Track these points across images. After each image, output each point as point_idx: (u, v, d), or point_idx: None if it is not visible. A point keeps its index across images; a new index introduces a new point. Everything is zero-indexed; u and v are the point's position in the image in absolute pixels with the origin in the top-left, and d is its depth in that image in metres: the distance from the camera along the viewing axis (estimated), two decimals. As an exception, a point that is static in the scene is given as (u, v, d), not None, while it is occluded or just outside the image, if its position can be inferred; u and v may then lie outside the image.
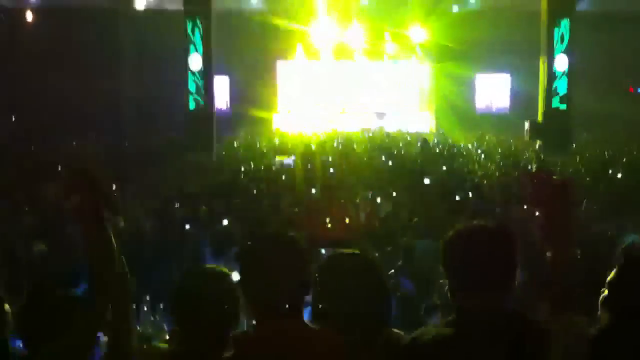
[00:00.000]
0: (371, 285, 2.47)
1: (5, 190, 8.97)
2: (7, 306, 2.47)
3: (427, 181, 9.88)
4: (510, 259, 2.33)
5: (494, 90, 27.15)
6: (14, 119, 21.44)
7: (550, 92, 16.01)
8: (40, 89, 20.80)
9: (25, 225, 7.19)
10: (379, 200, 8.27)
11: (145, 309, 3.59)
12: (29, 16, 22.91)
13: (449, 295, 2.37)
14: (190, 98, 16.39)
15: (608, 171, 11.78)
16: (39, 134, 18.18)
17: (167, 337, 3.38)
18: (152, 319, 3.57)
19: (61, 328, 2.31)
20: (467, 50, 24.32)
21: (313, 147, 15.88)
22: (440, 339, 2.29)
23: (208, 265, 2.96)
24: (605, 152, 15.79)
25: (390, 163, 13.87)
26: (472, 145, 19.01)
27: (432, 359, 2.31)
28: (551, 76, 15.98)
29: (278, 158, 15.18)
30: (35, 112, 20.57)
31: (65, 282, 4.07)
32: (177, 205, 7.84)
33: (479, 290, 2.28)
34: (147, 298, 3.63)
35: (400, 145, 18.91)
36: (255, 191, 8.91)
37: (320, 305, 2.47)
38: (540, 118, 16.39)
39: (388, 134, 22.96)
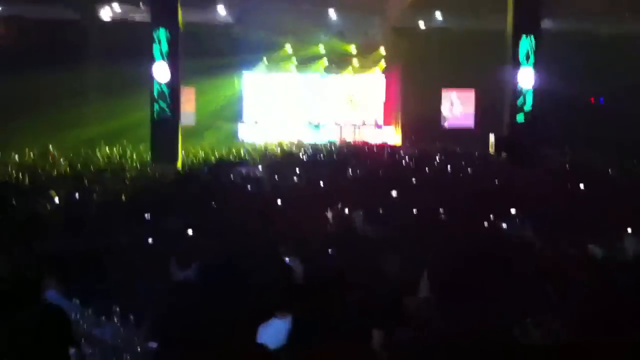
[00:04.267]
0: None
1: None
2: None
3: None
4: None
5: (459, 106, 27.51)
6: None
7: (514, 107, 16.20)
8: (4, 98, 20.41)
9: None
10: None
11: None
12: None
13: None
14: (156, 107, 16.24)
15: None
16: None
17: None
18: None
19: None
20: (433, 65, 24.72)
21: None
22: None
23: None
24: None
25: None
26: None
27: None
28: (516, 91, 16.19)
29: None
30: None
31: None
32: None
33: None
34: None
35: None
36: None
37: None
38: (505, 132, 16.58)
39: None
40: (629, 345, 2.74)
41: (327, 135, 26.82)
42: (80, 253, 5.12)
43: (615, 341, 2.86)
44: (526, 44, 16.02)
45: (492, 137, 16.85)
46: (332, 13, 24.69)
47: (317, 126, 27.74)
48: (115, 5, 24.27)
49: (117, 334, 3.36)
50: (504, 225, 7.14)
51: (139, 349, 3.34)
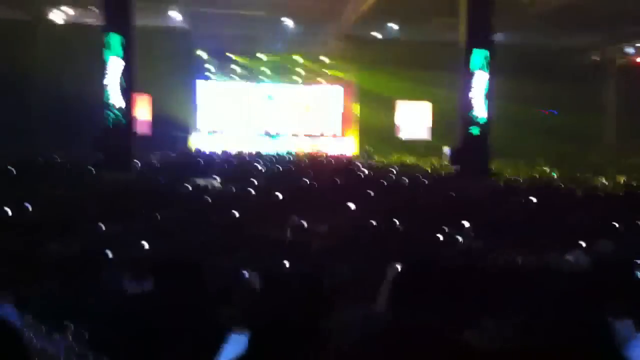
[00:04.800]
0: None
1: None
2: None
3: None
4: None
5: (416, 116, 27.84)
6: None
7: (468, 119, 16.43)
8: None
9: None
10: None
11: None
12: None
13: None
14: (109, 114, 15.94)
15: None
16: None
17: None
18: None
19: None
20: (388, 77, 25.01)
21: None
22: None
23: None
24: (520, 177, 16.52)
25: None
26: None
27: None
28: (468, 103, 16.42)
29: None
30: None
31: None
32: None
33: None
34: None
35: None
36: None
37: None
38: (458, 144, 16.80)
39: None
40: (565, 351, 2.84)
41: (284, 145, 26.81)
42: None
43: (552, 347, 2.95)
44: (479, 56, 16.27)
45: (445, 149, 17.06)
46: (287, 22, 24.69)
47: (274, 136, 27.71)
48: (67, 9, 23.82)
49: (70, 348, 3.28)
50: (449, 235, 7.23)
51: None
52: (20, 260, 4.86)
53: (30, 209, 8.44)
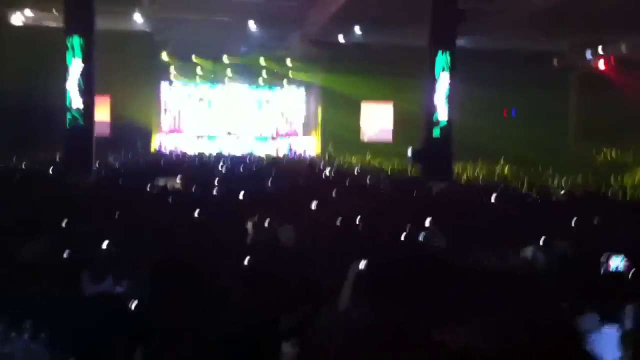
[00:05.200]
0: None
1: None
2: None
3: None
4: None
5: (378, 118, 28.00)
6: None
7: (431, 121, 16.57)
8: None
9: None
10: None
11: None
12: None
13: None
14: (69, 116, 15.70)
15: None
16: None
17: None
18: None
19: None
20: (352, 80, 25.17)
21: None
22: None
23: None
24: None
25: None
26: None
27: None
28: (432, 105, 16.57)
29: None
30: None
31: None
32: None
33: None
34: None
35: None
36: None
37: None
38: (421, 145, 16.94)
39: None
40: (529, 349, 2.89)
41: (247, 147, 26.93)
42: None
43: (515, 346, 2.99)
44: (442, 59, 16.43)
45: (409, 151, 17.19)
46: (251, 25, 24.66)
47: (237, 137, 27.77)
48: (27, 11, 23.46)
49: (27, 348, 3.24)
50: (414, 235, 7.29)
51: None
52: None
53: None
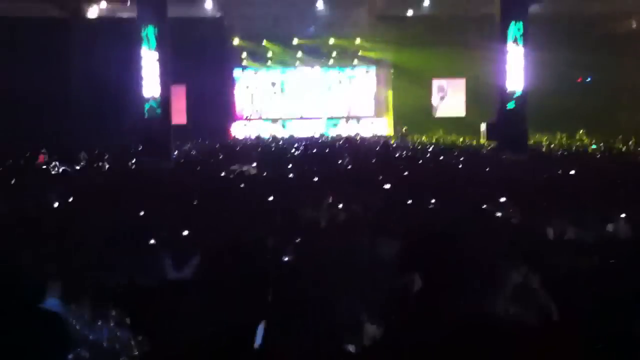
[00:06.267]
0: None
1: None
2: None
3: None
4: None
5: (450, 94, 27.52)
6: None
7: (504, 94, 16.21)
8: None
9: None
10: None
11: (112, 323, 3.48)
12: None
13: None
14: (147, 106, 16.14)
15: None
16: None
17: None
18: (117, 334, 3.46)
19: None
20: (422, 55, 24.73)
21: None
22: None
23: None
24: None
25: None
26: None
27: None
28: (505, 78, 16.19)
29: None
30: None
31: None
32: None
33: None
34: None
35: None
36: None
37: None
38: (495, 119, 16.61)
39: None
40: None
41: (320, 129, 27.04)
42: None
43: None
44: (514, 29, 16.00)
45: (483, 126, 16.88)
46: (319, 4, 24.60)
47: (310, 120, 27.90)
48: (103, 3, 24.16)
49: (114, 336, 3.38)
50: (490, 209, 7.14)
51: (135, 352, 3.37)
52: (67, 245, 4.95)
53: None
